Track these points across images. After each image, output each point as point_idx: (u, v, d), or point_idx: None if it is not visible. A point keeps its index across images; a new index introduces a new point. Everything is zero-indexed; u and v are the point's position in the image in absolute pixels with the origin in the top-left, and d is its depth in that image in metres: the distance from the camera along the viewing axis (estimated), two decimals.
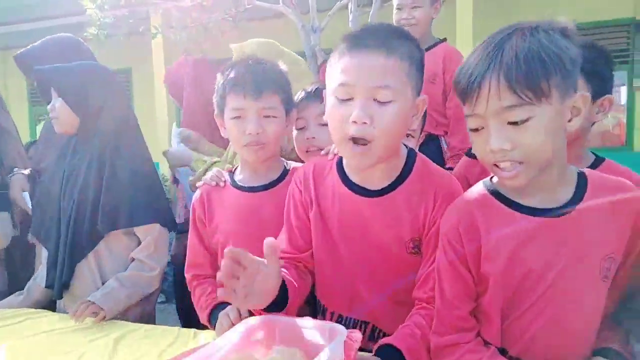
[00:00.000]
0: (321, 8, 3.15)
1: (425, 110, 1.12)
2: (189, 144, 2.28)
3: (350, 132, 1.01)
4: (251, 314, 1.09)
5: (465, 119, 0.93)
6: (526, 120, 0.85)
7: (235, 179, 1.41)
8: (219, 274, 0.87)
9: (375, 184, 1.12)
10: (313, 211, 1.17)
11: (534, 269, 0.92)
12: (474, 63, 0.89)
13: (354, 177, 1.14)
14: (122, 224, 1.62)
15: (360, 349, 1.06)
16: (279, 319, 0.97)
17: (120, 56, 5.09)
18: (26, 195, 1.94)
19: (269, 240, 0.91)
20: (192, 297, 1.41)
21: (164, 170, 2.83)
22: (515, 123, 0.86)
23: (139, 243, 1.65)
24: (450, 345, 0.97)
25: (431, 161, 1.18)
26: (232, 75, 1.31)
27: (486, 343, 0.98)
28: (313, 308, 1.27)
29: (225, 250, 0.88)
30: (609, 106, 1.26)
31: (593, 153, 1.30)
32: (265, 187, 1.37)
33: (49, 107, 1.69)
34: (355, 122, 0.99)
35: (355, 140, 1.02)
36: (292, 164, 1.43)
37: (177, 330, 1.39)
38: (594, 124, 1.30)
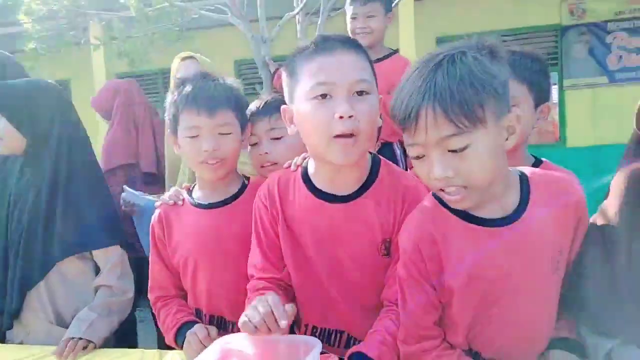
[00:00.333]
0: (268, 15, 3.15)
1: (381, 120, 1.16)
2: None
3: (335, 130, 1.02)
4: (225, 332, 1.09)
5: (406, 148, 0.95)
6: (465, 148, 0.87)
7: (194, 196, 1.40)
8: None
9: (344, 190, 1.14)
10: (281, 225, 1.18)
11: (494, 278, 0.97)
12: (408, 94, 0.89)
13: (322, 186, 1.15)
14: (80, 248, 1.54)
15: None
16: (253, 338, 0.96)
17: (57, 68, 4.87)
18: None
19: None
20: (157, 318, 1.38)
21: None
22: (454, 151, 0.88)
23: (96, 267, 1.58)
24: (418, 353, 1.01)
25: (394, 164, 1.22)
26: (184, 92, 1.29)
27: (452, 346, 1.03)
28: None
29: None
30: (547, 112, 1.36)
31: (533, 155, 1.38)
32: (225, 203, 1.36)
33: None
34: (342, 117, 1.00)
35: (340, 137, 1.03)
36: (251, 178, 1.43)
37: (141, 353, 1.36)
38: (533, 128, 1.39)
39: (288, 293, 1.19)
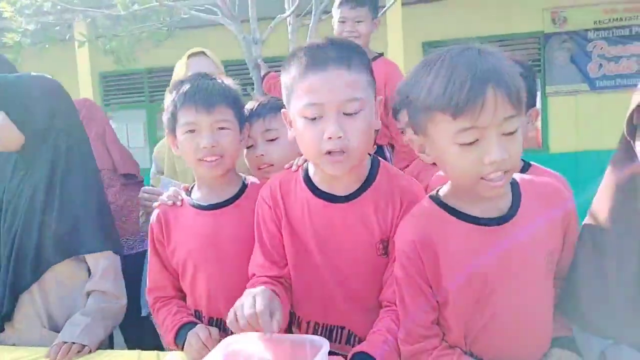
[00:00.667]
0: (259, 16, 3.15)
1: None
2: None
3: (326, 147, 1.05)
4: (225, 333, 1.09)
5: (453, 136, 0.92)
6: (514, 132, 0.92)
7: (193, 197, 1.39)
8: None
9: (344, 191, 1.16)
10: (284, 224, 1.20)
11: (490, 279, 1.00)
12: (462, 79, 0.88)
13: (322, 186, 1.18)
14: (75, 252, 1.50)
15: (338, 354, 1.10)
16: (259, 337, 0.97)
17: (41, 63, 4.78)
18: None
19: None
20: (155, 319, 1.37)
21: None
22: (510, 134, 0.91)
23: (88, 270, 1.54)
24: (418, 353, 1.04)
25: (392, 165, 1.25)
26: (181, 91, 1.30)
27: (451, 346, 1.05)
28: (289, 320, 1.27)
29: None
30: (536, 117, 1.41)
31: (521, 159, 1.43)
32: (225, 204, 1.35)
33: None
34: (330, 137, 1.03)
35: (331, 153, 1.06)
36: (250, 179, 1.43)
37: (138, 354, 1.34)
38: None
39: (288, 290, 1.20)
